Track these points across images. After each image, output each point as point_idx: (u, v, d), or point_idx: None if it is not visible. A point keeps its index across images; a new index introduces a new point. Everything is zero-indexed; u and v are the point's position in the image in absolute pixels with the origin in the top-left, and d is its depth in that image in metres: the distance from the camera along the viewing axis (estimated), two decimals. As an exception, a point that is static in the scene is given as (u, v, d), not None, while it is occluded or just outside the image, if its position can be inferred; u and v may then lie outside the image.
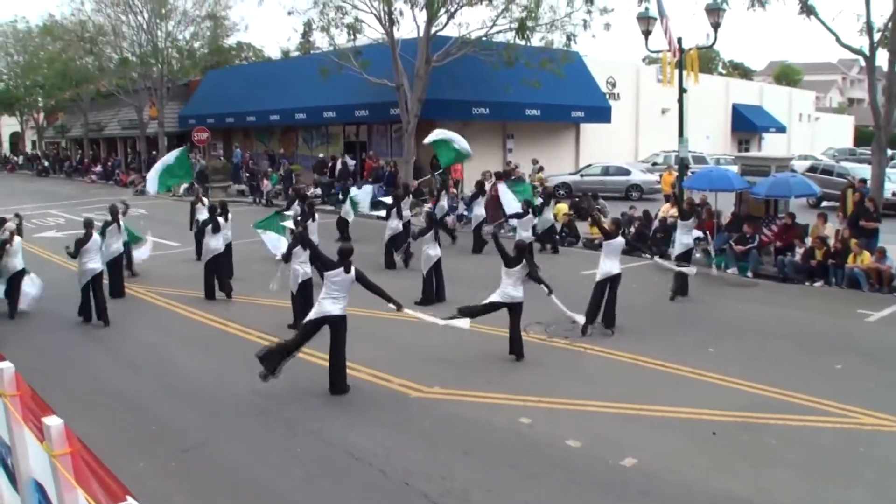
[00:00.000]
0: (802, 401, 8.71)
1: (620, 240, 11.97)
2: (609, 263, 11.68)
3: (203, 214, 16.83)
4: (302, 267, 11.53)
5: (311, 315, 9.03)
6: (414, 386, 9.20)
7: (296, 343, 9.05)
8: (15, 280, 12.95)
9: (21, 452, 3.01)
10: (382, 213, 18.42)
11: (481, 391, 9.10)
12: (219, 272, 14.20)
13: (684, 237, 14.23)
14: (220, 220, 14.31)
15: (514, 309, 10.29)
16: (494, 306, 10.37)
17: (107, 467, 2.40)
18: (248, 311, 12.58)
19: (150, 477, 7.04)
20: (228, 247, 15.51)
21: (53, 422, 2.52)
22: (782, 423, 8.12)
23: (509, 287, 10.27)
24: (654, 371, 9.91)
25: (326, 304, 8.88)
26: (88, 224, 12.73)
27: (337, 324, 8.91)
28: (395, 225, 16.97)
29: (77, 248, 12.33)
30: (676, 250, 14.37)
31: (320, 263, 9.22)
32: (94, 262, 12.48)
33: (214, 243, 14.08)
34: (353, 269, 8.93)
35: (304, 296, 11.54)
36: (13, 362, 3.21)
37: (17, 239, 13.01)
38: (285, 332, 11.59)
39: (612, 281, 11.67)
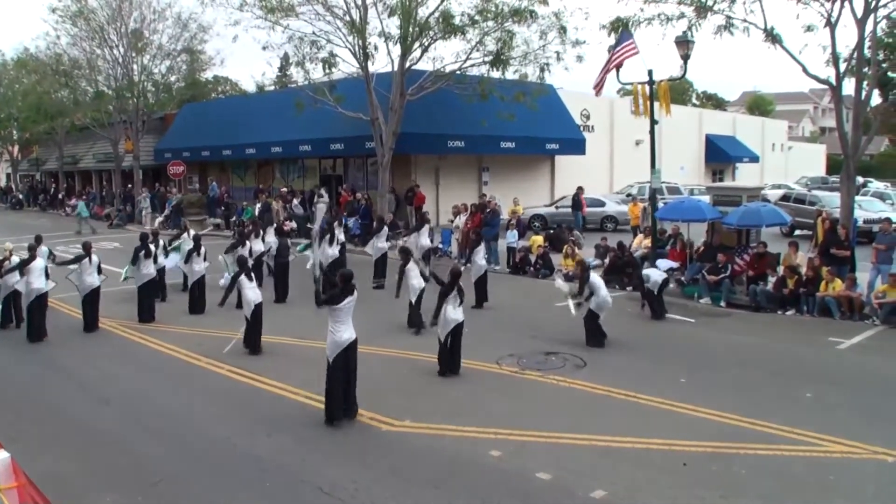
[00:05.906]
0: (773, 430, 8.77)
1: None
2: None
3: (188, 245, 17.11)
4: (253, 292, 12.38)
5: (337, 350, 9.04)
6: (384, 420, 9.14)
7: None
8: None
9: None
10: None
11: (452, 424, 9.06)
12: (149, 295, 15.31)
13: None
14: (152, 247, 15.59)
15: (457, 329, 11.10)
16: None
17: (50, 502, 2.38)
18: (221, 345, 12.47)
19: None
20: (201, 279, 15.65)
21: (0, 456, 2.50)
22: (752, 452, 8.15)
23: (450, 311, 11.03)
24: (626, 403, 9.93)
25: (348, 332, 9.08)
26: (32, 248, 14.31)
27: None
28: (332, 252, 17.76)
29: (20, 269, 13.75)
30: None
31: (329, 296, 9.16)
32: (39, 283, 13.64)
33: (146, 269, 15.15)
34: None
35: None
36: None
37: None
38: (256, 364, 11.57)
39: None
